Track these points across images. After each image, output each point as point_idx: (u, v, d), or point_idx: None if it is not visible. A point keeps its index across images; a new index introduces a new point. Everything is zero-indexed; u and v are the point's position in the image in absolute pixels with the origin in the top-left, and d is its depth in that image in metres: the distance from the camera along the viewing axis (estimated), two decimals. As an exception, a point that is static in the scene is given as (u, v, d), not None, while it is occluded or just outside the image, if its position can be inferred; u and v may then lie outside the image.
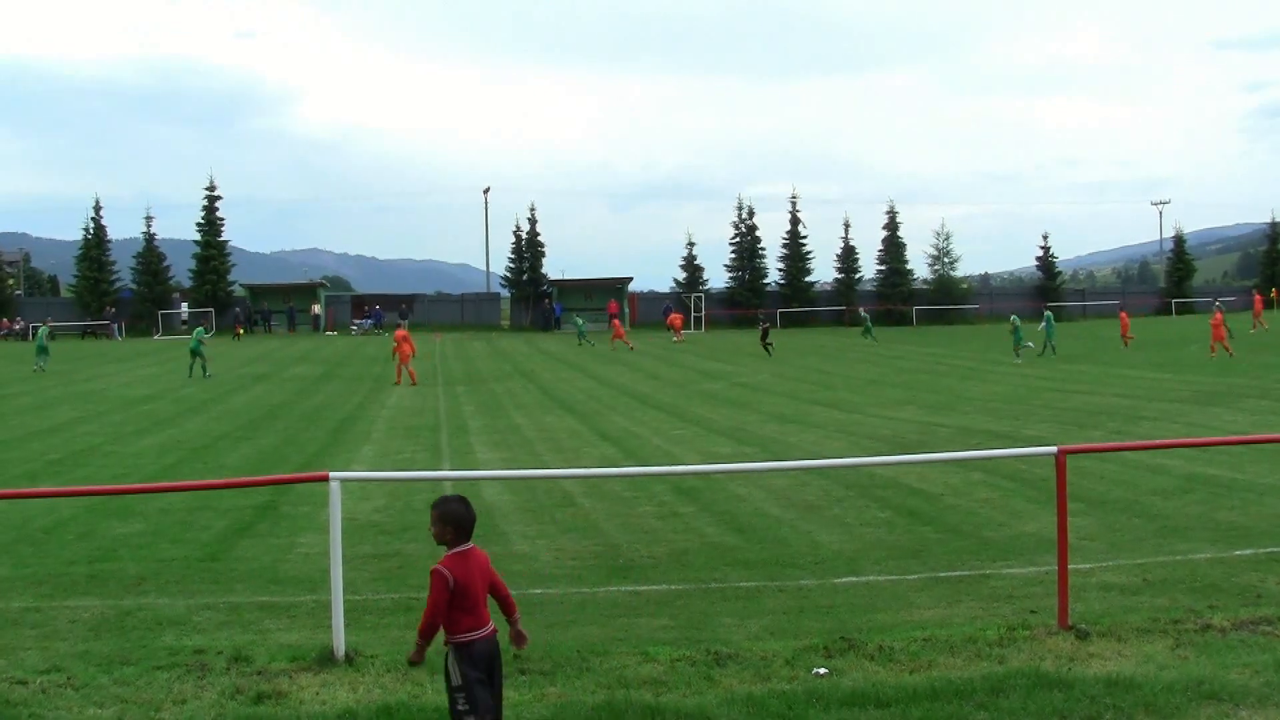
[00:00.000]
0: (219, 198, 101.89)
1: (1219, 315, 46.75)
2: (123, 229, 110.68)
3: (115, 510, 17.37)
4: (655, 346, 67.19)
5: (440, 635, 7.04)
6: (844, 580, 12.78)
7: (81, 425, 29.83)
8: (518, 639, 7.36)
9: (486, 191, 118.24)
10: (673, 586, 12.64)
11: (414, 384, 41.97)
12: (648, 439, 25.63)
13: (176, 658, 9.80)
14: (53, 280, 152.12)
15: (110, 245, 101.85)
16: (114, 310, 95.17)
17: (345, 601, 9.62)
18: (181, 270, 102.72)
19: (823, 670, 8.97)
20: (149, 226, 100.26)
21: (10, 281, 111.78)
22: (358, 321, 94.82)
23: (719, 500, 17.65)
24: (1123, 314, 61.39)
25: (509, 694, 8.53)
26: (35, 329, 66.77)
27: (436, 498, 7.19)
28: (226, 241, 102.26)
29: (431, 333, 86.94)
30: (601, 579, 13.09)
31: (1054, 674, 8.54)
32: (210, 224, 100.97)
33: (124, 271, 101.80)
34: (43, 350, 52.21)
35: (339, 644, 9.44)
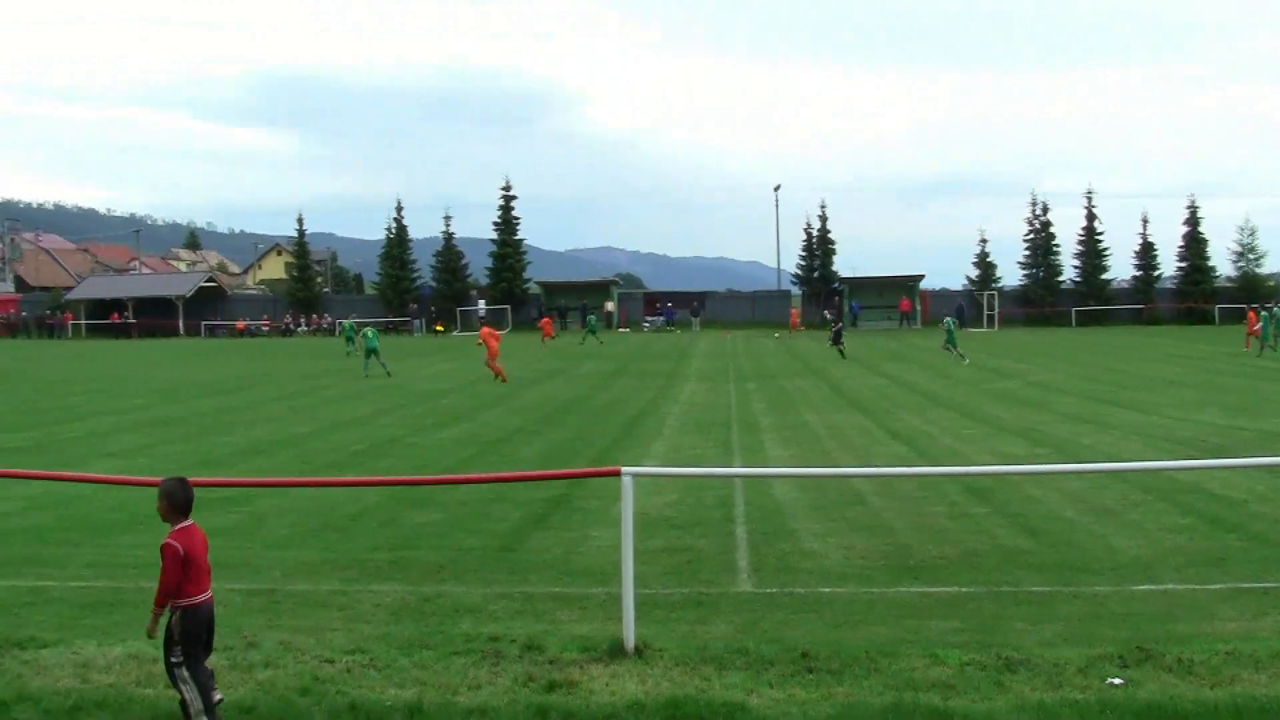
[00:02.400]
0: (514, 197, 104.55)
1: None
2: (423, 228, 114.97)
3: (416, 500, 17.94)
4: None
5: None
6: (1141, 588, 12.41)
7: (383, 418, 30.91)
8: None
9: (777, 189, 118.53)
10: (963, 589, 12.46)
11: (504, 381, 41.69)
12: (938, 438, 25.29)
13: (472, 644, 10.12)
14: (357, 278, 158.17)
15: (411, 244, 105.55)
16: (415, 307, 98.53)
17: (636, 595, 9.78)
18: (479, 268, 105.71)
19: (1118, 680, 8.76)
20: (447, 225, 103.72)
21: (318, 280, 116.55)
22: (650, 318, 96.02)
23: (1012, 502, 17.30)
24: (1250, 313, 56.20)
25: (796, 692, 8.58)
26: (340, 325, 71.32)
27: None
28: (522, 240, 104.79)
29: (724, 330, 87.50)
30: (891, 579, 12.99)
31: (1370, 694, 8.17)
32: (506, 223, 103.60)
33: (424, 269, 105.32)
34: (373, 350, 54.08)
35: (629, 636, 9.60)
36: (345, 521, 16.53)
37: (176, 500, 8.14)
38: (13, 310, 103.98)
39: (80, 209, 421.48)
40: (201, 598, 7.99)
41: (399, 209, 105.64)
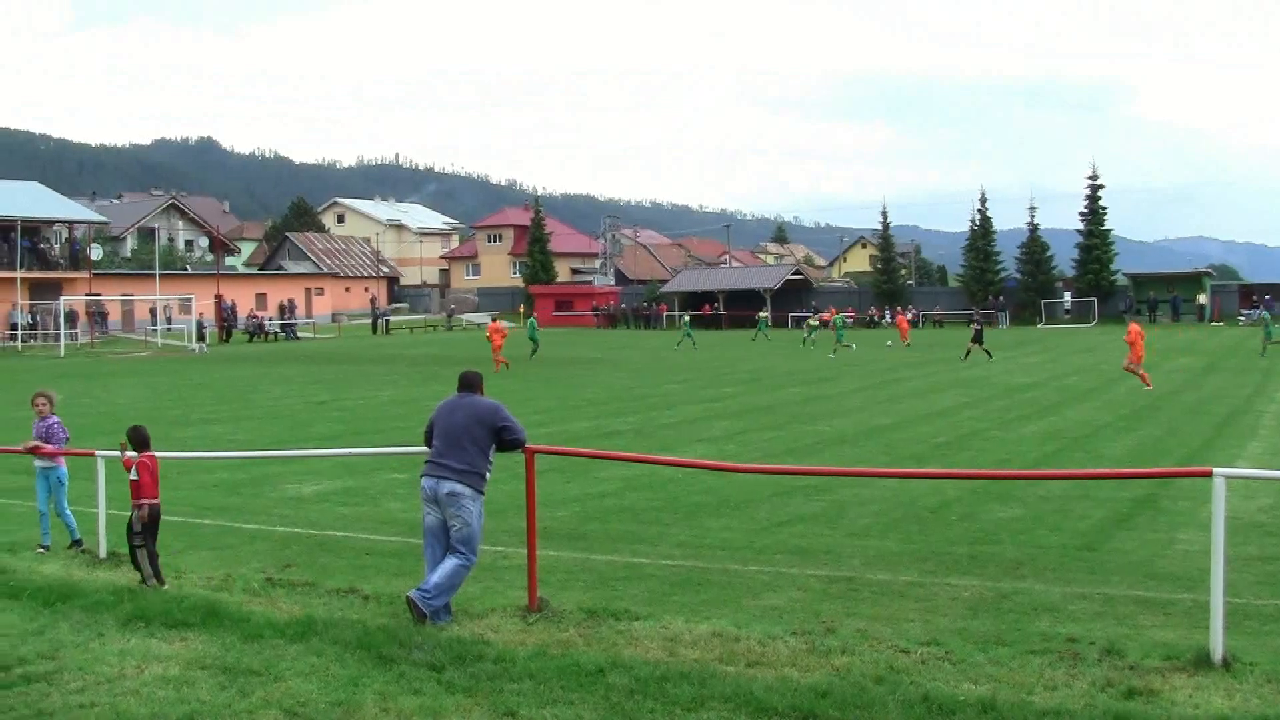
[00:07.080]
0: (1101, 186, 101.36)
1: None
2: (1007, 219, 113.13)
3: (997, 494, 17.82)
4: None
5: None
6: None
7: (966, 410, 30.85)
8: None
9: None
10: None
11: (505, 368, 46.16)
12: None
13: (1049, 644, 9.99)
14: (941, 270, 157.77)
15: (995, 235, 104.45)
16: (1000, 299, 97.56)
17: (1225, 604, 9.38)
18: (1064, 259, 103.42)
19: None
20: (1032, 216, 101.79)
21: (902, 272, 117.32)
22: (1245, 312, 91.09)
23: None
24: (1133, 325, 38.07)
25: None
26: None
27: None
28: (1109, 230, 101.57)
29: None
30: None
31: None
32: (1093, 213, 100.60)
33: (1008, 261, 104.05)
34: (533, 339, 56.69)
35: (1217, 647, 9.21)
36: (925, 513, 16.66)
37: None
38: (613, 302, 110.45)
39: (675, 206, 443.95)
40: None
41: (982, 200, 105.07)
